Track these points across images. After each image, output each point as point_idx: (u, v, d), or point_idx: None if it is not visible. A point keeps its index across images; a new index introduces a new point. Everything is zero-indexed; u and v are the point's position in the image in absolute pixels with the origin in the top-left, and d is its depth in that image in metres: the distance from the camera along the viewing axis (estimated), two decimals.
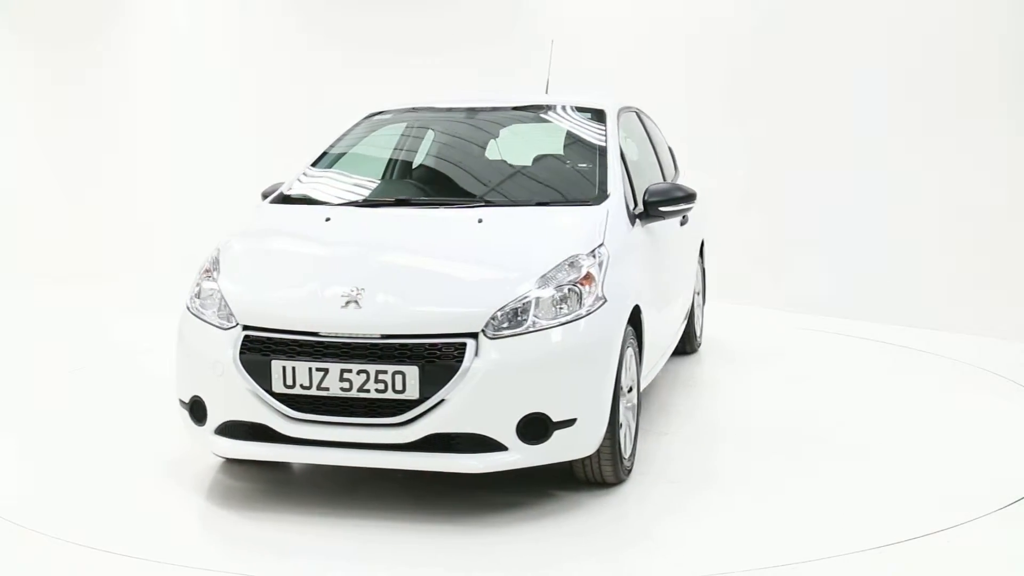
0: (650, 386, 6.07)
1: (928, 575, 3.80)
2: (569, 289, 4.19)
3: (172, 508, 4.45)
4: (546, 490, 4.48)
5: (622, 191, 4.95)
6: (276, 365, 4.07)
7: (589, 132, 5.39)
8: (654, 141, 6.37)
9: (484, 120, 5.77)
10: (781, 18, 8.78)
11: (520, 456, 4.03)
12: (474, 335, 4.01)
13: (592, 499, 4.41)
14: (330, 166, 5.45)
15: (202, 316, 4.38)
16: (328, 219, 4.83)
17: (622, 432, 4.47)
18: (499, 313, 4.05)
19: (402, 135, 5.77)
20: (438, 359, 3.97)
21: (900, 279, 8.08)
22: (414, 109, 5.89)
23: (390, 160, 5.68)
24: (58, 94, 10.96)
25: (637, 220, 5.02)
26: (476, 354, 3.98)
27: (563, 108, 5.68)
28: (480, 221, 4.62)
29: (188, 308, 4.49)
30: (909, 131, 8.06)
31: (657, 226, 5.29)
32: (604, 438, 4.27)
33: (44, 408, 5.99)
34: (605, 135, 5.29)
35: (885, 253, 8.23)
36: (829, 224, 8.56)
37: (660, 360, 5.56)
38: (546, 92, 6.47)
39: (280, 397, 4.08)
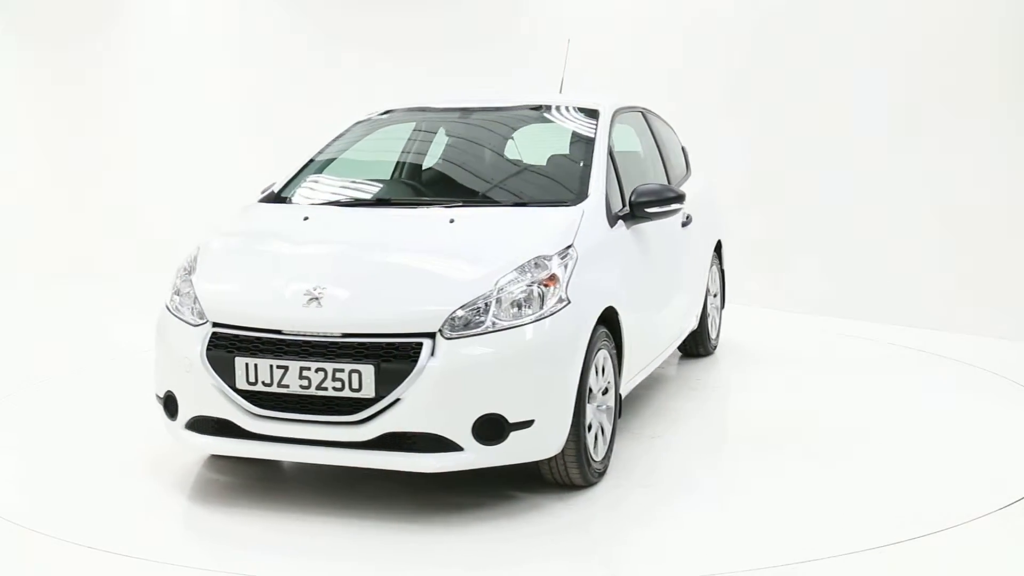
0: (648, 389, 6.09)
1: (928, 575, 3.80)
2: (531, 290, 4.19)
3: (171, 507, 4.45)
4: (508, 491, 4.47)
5: (603, 192, 4.92)
6: (240, 362, 4.14)
7: (579, 133, 5.36)
8: (660, 141, 6.30)
9: (478, 121, 5.79)
10: (780, 19, 8.78)
11: (476, 456, 4.05)
12: (431, 335, 4.03)
13: (556, 501, 4.38)
14: (324, 166, 5.49)
15: (177, 313, 4.46)
16: (306, 218, 4.90)
17: (592, 435, 4.44)
18: (458, 313, 4.07)
19: (396, 136, 5.80)
20: (394, 358, 4.01)
21: (900, 279, 8.08)
22: (411, 110, 5.92)
23: (382, 161, 5.72)
24: (58, 94, 10.97)
25: (621, 221, 4.99)
26: (432, 354, 4.00)
27: (558, 108, 5.67)
28: (452, 221, 4.65)
29: (167, 306, 4.58)
30: (910, 131, 8.06)
31: (649, 227, 5.27)
32: (568, 440, 4.26)
33: (44, 408, 5.99)
34: (594, 136, 5.26)
35: (885, 253, 8.23)
36: (829, 224, 8.56)
37: (651, 363, 5.52)
38: (560, 92, 6.45)
39: (243, 394, 4.15)
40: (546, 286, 4.21)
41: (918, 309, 7.87)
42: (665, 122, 6.69)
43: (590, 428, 4.44)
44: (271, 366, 4.10)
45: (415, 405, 3.97)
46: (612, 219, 4.91)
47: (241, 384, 4.14)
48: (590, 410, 4.42)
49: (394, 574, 3.82)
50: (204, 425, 4.30)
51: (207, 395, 4.23)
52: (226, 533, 4.19)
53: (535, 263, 4.27)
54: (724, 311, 7.31)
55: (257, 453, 4.26)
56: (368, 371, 3.99)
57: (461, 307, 4.07)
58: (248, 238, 4.89)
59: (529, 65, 9.98)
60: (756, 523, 4.24)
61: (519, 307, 4.14)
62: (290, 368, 4.07)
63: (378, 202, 5.19)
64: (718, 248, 7.00)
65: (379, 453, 4.06)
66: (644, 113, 6.27)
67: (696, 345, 6.75)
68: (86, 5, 11.17)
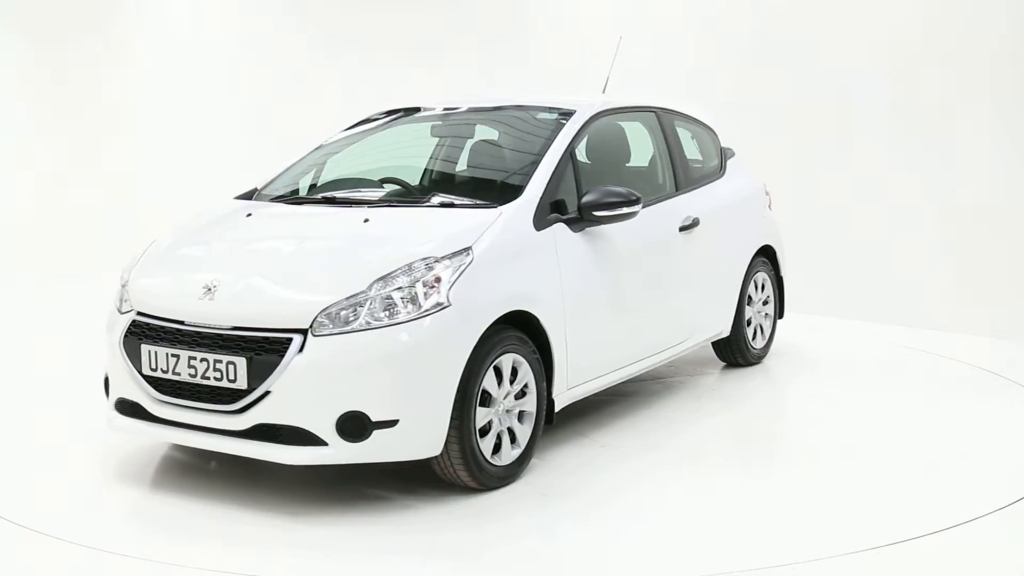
0: (649, 395, 6.06)
1: (928, 575, 3.80)
2: (409, 291, 4.22)
3: (172, 507, 4.44)
4: (416, 488, 4.52)
5: (538, 195, 4.86)
6: (144, 349, 4.43)
7: (543, 135, 5.29)
8: (672, 143, 6.05)
9: (459, 121, 5.83)
10: (780, 19, 8.78)
11: (340, 452, 4.13)
12: (304, 331, 4.14)
13: (436, 501, 4.39)
14: (308, 164, 5.65)
15: (116, 303, 4.78)
16: (249, 215, 5.05)
17: (489, 439, 4.43)
18: (330, 310, 4.16)
19: (383, 138, 5.84)
20: (265, 352, 4.15)
21: (900, 279, 8.08)
22: (404, 111, 5.98)
23: (356, 161, 5.72)
24: (58, 93, 10.97)
25: (565, 225, 4.90)
26: (300, 350, 4.10)
27: (535, 109, 5.62)
28: (366, 221, 4.71)
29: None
30: (910, 130, 8.06)
31: (615, 231, 5.17)
32: (451, 442, 4.27)
33: (44, 408, 5.99)
34: (554, 138, 5.20)
35: (884, 253, 8.23)
36: (828, 224, 8.56)
37: (621, 370, 5.35)
38: (603, 91, 6.44)
39: (148, 379, 4.43)
40: (428, 288, 4.24)
41: (918, 309, 7.87)
42: (698, 121, 6.49)
43: (486, 432, 4.42)
44: (167, 354, 4.35)
45: (282, 398, 4.11)
46: (544, 222, 4.82)
47: (145, 370, 4.42)
48: (484, 413, 4.39)
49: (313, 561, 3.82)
50: (125, 407, 4.59)
51: (124, 379, 4.54)
52: (225, 532, 4.18)
53: (426, 264, 4.31)
54: (780, 320, 6.95)
55: (156, 436, 4.57)
56: (242, 363, 4.16)
57: (333, 305, 4.16)
58: (189, 233, 5.06)
59: (529, 65, 9.99)
60: (730, 527, 4.23)
61: (395, 308, 4.18)
62: (181, 357, 4.30)
63: (323, 200, 5.22)
64: (769, 254, 6.75)
65: (254, 443, 4.22)
66: (659, 114, 6.08)
67: (733, 354, 6.54)
68: (86, 4, 11.17)
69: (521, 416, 4.62)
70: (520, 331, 4.56)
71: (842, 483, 4.69)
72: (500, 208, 4.73)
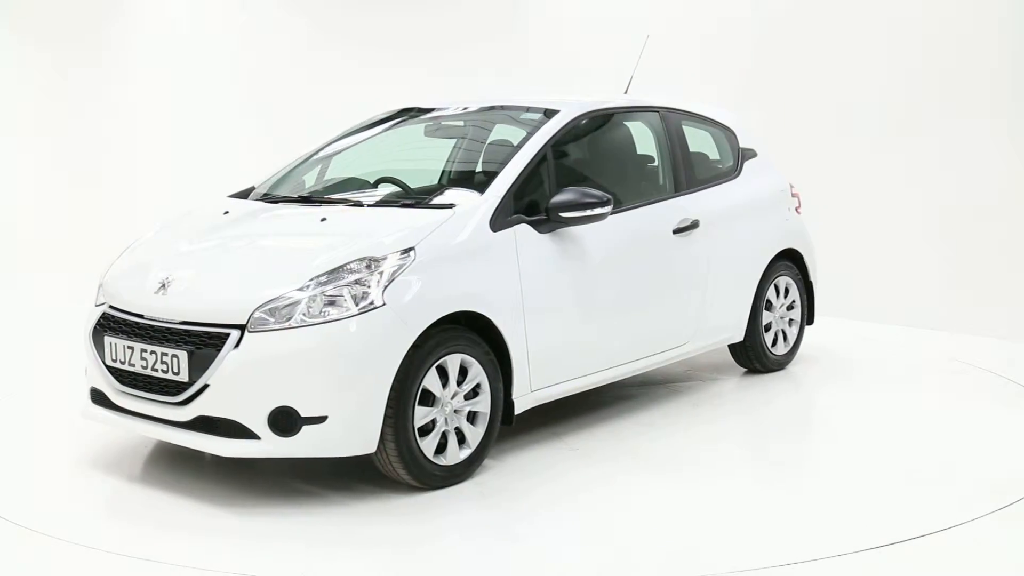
0: (649, 399, 6.05)
1: (928, 575, 3.80)
2: (346, 290, 4.28)
3: (173, 507, 4.44)
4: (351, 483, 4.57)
5: (500, 195, 4.85)
6: (106, 340, 4.64)
7: (519, 135, 5.27)
8: (675, 143, 5.91)
9: (450, 122, 5.84)
10: (780, 19, 8.78)
11: (272, 447, 4.24)
12: (241, 327, 4.25)
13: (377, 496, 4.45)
14: (305, 163, 5.72)
15: (96, 296, 4.98)
16: (226, 212, 5.19)
17: (431, 438, 4.44)
18: (266, 307, 4.26)
19: (378, 139, 5.85)
20: (205, 346, 4.29)
21: (900, 279, 8.08)
22: (405, 111, 6.00)
23: (347, 161, 5.75)
24: (58, 93, 10.98)
25: (530, 226, 4.88)
26: (236, 345, 4.22)
27: (519, 110, 5.61)
28: (324, 220, 4.83)
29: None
30: (911, 130, 8.07)
31: (598, 233, 5.13)
32: (387, 440, 4.31)
33: (45, 408, 5.99)
34: (528, 139, 5.17)
35: (884, 253, 8.23)
36: (828, 224, 8.56)
37: (588, 376, 5.24)
38: (625, 92, 6.42)
39: (110, 370, 4.62)
40: (366, 287, 4.29)
41: (917, 309, 7.87)
42: (712, 121, 6.34)
43: (428, 432, 4.44)
44: (124, 346, 4.54)
45: (218, 392, 4.24)
46: (504, 223, 4.81)
47: (108, 360, 4.62)
48: (424, 412, 4.41)
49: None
50: (96, 397, 4.78)
51: (93, 370, 4.76)
52: (221, 530, 4.19)
53: (364, 264, 4.36)
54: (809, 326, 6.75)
55: (117, 424, 4.70)
56: (184, 357, 4.31)
57: (269, 302, 4.26)
58: (166, 229, 5.21)
59: (528, 66, 9.99)
60: (682, 533, 4.22)
61: (330, 306, 4.25)
62: (135, 349, 4.49)
63: (300, 199, 5.29)
64: (795, 258, 6.56)
65: (196, 435, 4.35)
66: (662, 113, 5.93)
67: (750, 359, 6.40)
68: (86, 4, 11.17)
69: (474, 417, 4.64)
70: (472, 331, 4.58)
71: (840, 483, 4.68)
72: (454, 209, 4.74)
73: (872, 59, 8.26)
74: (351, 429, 4.25)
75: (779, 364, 6.57)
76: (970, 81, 7.77)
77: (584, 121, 5.52)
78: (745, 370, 6.54)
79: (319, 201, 5.16)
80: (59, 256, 10.50)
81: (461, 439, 4.60)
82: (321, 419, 4.20)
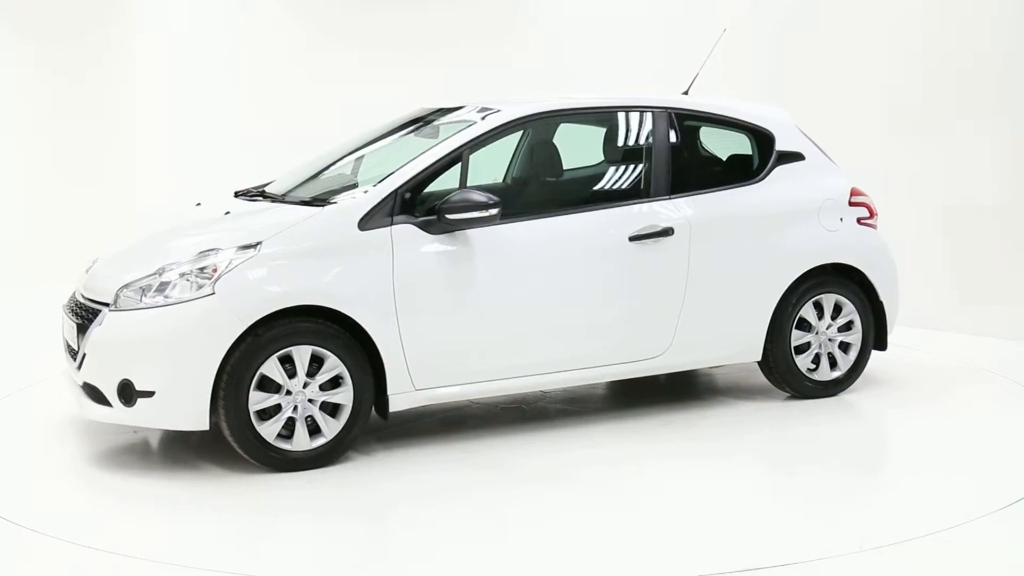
0: (648, 401, 6.05)
1: (928, 575, 3.80)
2: (188, 278, 4.68)
3: (174, 507, 4.46)
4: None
5: (380, 196, 4.92)
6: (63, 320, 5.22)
7: (445, 137, 5.27)
8: (657, 147, 5.59)
9: (442, 124, 5.66)
10: (780, 19, 8.78)
11: (119, 414, 4.73)
12: (107, 305, 4.80)
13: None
14: (318, 165, 5.78)
15: None
16: (198, 204, 5.76)
17: (273, 423, 4.69)
18: (125, 289, 4.76)
19: (378, 140, 5.83)
20: (88, 321, 4.83)
21: (900, 279, 8.06)
22: (441, 109, 5.93)
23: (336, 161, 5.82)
24: (58, 92, 10.97)
25: (416, 227, 4.91)
26: (100, 323, 4.74)
27: (467, 111, 5.55)
28: (227, 213, 5.28)
29: None
30: (912, 130, 8.06)
31: (505, 240, 5.09)
32: (222, 420, 4.64)
33: (45, 408, 5.99)
34: (443, 141, 5.18)
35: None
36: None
37: (499, 381, 5.17)
38: (685, 93, 6.21)
39: (66, 345, 5.17)
40: (204, 277, 4.67)
41: (917, 309, 7.86)
42: (735, 122, 5.94)
43: (269, 416, 4.69)
44: (63, 321, 5.20)
45: (89, 362, 4.77)
46: (379, 222, 4.87)
47: (65, 338, 5.21)
48: (260, 397, 4.66)
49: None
50: (88, 391, 4.97)
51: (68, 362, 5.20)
52: (223, 530, 4.20)
53: (209, 255, 4.74)
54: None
55: (67, 397, 5.26)
56: (74, 328, 4.93)
57: (128, 285, 4.76)
58: (165, 228, 5.46)
59: (528, 66, 9.98)
60: (713, 526, 4.23)
61: (171, 292, 4.67)
62: (65, 324, 5.16)
63: (260, 194, 5.58)
64: (854, 275, 6.00)
65: (87, 400, 4.84)
66: (655, 115, 5.64)
67: (780, 383, 5.90)
68: (86, 4, 11.16)
69: (336, 410, 4.82)
70: (336, 326, 4.76)
71: (840, 483, 4.69)
72: (322, 208, 4.95)
73: (873, 59, 8.26)
74: (179, 406, 4.63)
75: (827, 390, 5.93)
76: (973, 81, 7.76)
77: (529, 124, 5.58)
78: (788, 395, 5.98)
79: (286, 200, 5.31)
80: (59, 256, 10.48)
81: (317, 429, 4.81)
82: (149, 394, 4.61)
